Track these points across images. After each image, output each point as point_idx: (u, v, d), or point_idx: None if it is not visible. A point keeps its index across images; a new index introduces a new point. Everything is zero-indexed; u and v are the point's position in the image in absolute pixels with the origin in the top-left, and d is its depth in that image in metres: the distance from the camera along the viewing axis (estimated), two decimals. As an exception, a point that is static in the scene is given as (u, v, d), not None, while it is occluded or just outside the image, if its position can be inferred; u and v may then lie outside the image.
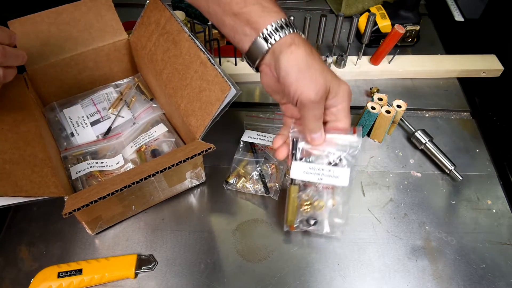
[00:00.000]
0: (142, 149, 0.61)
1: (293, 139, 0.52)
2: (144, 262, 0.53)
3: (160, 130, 0.63)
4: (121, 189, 0.46)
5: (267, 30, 0.44)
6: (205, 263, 0.54)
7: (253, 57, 0.47)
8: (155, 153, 0.60)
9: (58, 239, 0.56)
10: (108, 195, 0.45)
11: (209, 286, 0.52)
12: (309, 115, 0.46)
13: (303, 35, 0.47)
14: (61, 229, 0.56)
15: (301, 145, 0.51)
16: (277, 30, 0.44)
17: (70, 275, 0.50)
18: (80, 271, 0.50)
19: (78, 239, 0.56)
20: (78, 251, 0.54)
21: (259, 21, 0.45)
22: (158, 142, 0.62)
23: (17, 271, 0.52)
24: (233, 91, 0.49)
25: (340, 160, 0.51)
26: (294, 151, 0.52)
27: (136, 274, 0.52)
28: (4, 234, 0.56)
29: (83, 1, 0.63)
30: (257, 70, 0.49)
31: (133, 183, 0.46)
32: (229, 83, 0.49)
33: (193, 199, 0.60)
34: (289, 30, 0.45)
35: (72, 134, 0.63)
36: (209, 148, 0.50)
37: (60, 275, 0.50)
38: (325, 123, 0.49)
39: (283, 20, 0.45)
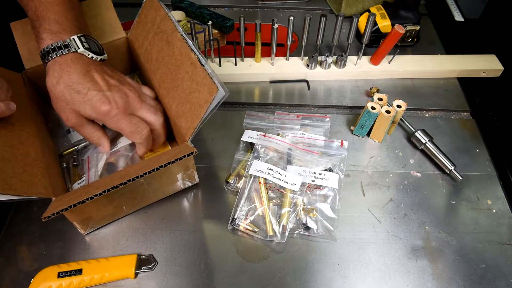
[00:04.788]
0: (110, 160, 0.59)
1: (288, 153, 0.62)
2: (144, 262, 0.53)
3: (124, 142, 0.61)
4: (100, 194, 0.46)
5: (44, 50, 0.52)
6: (205, 263, 0.54)
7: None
8: (111, 168, 0.59)
9: (58, 239, 0.56)
10: (87, 199, 0.46)
11: (209, 286, 0.52)
12: (80, 134, 0.56)
13: (86, 52, 0.53)
14: (61, 229, 0.57)
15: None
16: (49, 53, 0.51)
17: (70, 275, 0.50)
18: (80, 271, 0.50)
19: (78, 239, 0.56)
20: (78, 251, 0.54)
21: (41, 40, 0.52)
22: (117, 155, 0.60)
23: (17, 271, 0.52)
24: (221, 93, 0.49)
25: (331, 169, 0.61)
26: (289, 158, 0.62)
27: (136, 274, 0.52)
28: (4, 234, 0.56)
29: (83, 1, 0.63)
30: None
31: (113, 188, 0.46)
32: (217, 84, 0.48)
33: (193, 199, 0.60)
34: (57, 54, 0.51)
35: (69, 131, 0.63)
36: (192, 153, 0.50)
37: (60, 275, 0.50)
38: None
39: (57, 43, 0.51)
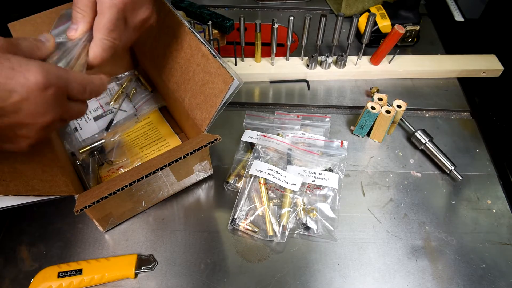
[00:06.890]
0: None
1: (287, 153, 0.62)
2: (144, 262, 0.53)
3: None
4: (130, 184, 0.46)
5: None
6: (205, 263, 0.54)
7: None
8: None
9: (58, 239, 0.56)
10: (118, 190, 0.46)
11: (209, 286, 0.52)
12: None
13: None
14: (61, 229, 0.57)
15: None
16: None
17: (70, 275, 0.50)
18: (80, 271, 0.50)
19: (78, 239, 0.56)
20: (78, 251, 0.54)
21: None
22: None
23: (17, 271, 0.52)
24: (236, 82, 0.50)
25: (331, 169, 0.61)
26: (289, 158, 0.62)
27: (136, 274, 0.52)
28: (4, 234, 0.56)
29: None
30: None
31: (142, 178, 0.47)
32: (232, 74, 0.49)
33: (193, 199, 0.60)
34: None
35: (76, 129, 0.63)
36: (216, 139, 0.51)
37: (60, 275, 0.50)
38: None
39: None
